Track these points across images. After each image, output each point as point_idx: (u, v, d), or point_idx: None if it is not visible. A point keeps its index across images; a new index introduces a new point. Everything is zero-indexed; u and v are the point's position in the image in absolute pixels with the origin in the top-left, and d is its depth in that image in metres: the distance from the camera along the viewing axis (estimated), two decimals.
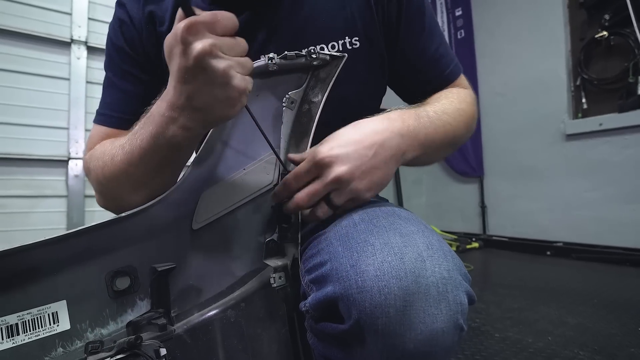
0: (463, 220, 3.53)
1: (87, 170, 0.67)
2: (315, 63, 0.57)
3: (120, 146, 0.56)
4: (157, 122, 0.48)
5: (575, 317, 1.48)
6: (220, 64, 0.42)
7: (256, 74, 0.55)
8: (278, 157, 0.58)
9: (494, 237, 3.24)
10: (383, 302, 0.41)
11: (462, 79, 0.77)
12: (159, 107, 0.48)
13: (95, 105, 2.31)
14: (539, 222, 2.94)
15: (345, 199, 0.54)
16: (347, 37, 0.67)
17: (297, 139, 0.60)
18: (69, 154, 2.12)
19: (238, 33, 0.63)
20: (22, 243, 0.44)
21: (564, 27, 2.82)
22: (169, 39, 0.44)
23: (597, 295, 1.75)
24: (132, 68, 0.70)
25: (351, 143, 0.54)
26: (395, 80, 0.77)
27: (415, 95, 0.75)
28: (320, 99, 0.59)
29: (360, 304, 0.42)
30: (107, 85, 0.73)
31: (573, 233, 2.73)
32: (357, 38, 0.67)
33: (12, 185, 1.99)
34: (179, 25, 0.42)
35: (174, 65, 0.44)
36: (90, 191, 2.16)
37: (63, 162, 2.12)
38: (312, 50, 0.55)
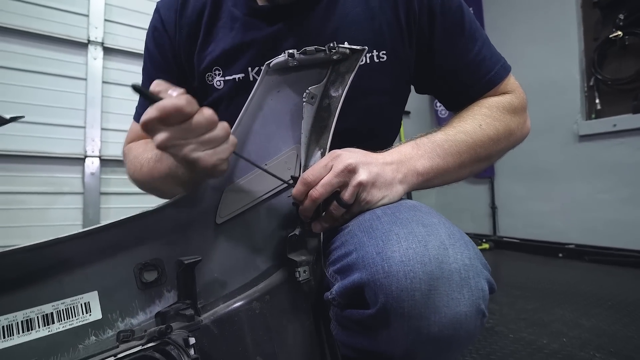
0: (473, 221, 3.51)
1: (123, 159, 0.79)
2: (335, 57, 0.57)
3: (147, 159, 0.65)
4: (169, 162, 0.56)
5: (590, 319, 1.47)
6: (179, 152, 0.45)
7: (276, 70, 0.57)
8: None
9: (505, 239, 3.22)
10: (409, 285, 0.43)
11: (509, 81, 0.74)
12: None
13: (110, 104, 2.35)
14: (550, 223, 2.91)
15: (360, 202, 0.55)
16: (374, 50, 0.68)
17: (318, 134, 0.60)
18: (86, 152, 2.16)
19: (271, 45, 0.65)
20: (50, 237, 0.46)
21: (577, 27, 2.80)
22: None
23: (612, 298, 1.73)
24: (161, 74, 0.76)
25: (371, 157, 0.57)
26: (437, 88, 0.77)
27: (457, 101, 0.74)
28: (341, 93, 0.59)
29: (387, 287, 0.44)
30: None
31: (586, 235, 2.70)
32: (384, 51, 0.68)
33: (31, 182, 2.03)
34: (142, 119, 0.44)
35: None
36: (106, 188, 2.21)
37: (80, 160, 2.16)
38: (331, 45, 0.56)
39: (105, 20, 2.23)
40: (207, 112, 0.46)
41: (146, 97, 0.45)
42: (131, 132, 0.84)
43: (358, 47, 0.56)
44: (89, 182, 2.16)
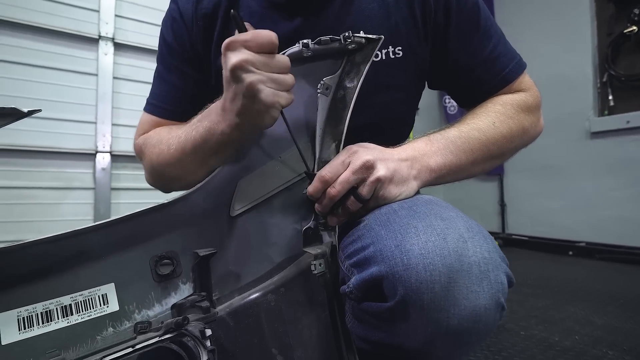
0: (482, 219, 3.48)
1: (139, 152, 0.76)
2: (350, 47, 0.56)
3: (176, 136, 0.63)
4: (212, 118, 0.55)
5: (602, 317, 1.45)
6: (248, 77, 0.48)
7: (291, 60, 0.56)
8: (305, 163, 0.59)
9: (514, 236, 3.20)
10: (429, 278, 0.43)
11: (524, 79, 0.73)
12: (216, 106, 0.55)
13: (121, 100, 2.36)
14: (560, 221, 2.88)
15: (377, 198, 0.56)
16: (390, 47, 0.68)
17: (332, 126, 0.60)
18: (97, 147, 2.18)
19: (287, 39, 0.65)
20: (60, 232, 0.46)
21: (590, 21, 2.75)
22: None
23: (624, 296, 1.71)
24: (179, 63, 0.75)
25: (387, 153, 0.57)
26: (451, 84, 0.76)
27: (471, 98, 0.74)
28: (356, 85, 0.58)
29: (406, 280, 0.44)
30: (157, 77, 0.79)
31: (597, 233, 2.67)
32: (400, 47, 0.68)
33: (42, 177, 2.05)
34: (225, 41, 0.49)
35: (223, 75, 0.52)
36: (117, 184, 2.22)
37: (91, 156, 2.17)
38: (347, 34, 0.55)
39: (116, 15, 2.24)
40: (286, 59, 0.51)
41: (239, 26, 0.50)
42: (143, 124, 0.80)
43: (374, 37, 0.56)
44: (100, 177, 2.17)
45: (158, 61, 0.79)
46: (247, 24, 0.51)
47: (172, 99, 0.76)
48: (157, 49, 0.80)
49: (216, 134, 0.54)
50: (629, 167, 2.53)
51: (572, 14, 2.84)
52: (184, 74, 0.76)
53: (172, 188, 0.74)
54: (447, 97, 3.60)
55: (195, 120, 0.60)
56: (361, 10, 0.67)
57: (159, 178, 0.72)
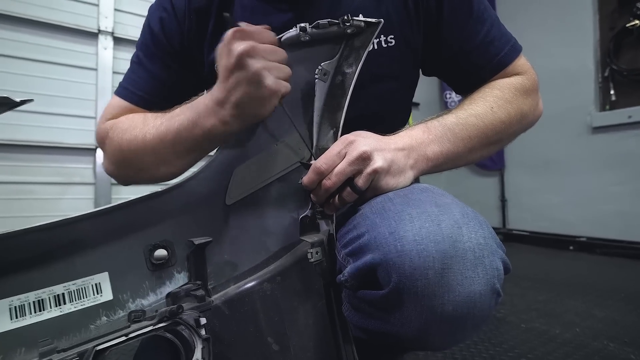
0: (482, 214, 3.35)
1: (103, 136, 0.70)
2: (349, 31, 0.55)
3: (154, 125, 0.61)
4: (200, 111, 0.54)
5: (603, 310, 1.45)
6: (256, 63, 0.49)
7: (288, 45, 0.55)
8: (310, 149, 0.59)
9: (514, 231, 3.19)
10: (422, 264, 0.42)
11: (520, 62, 0.71)
12: (205, 99, 0.54)
13: None
14: (561, 216, 2.87)
15: (374, 188, 0.55)
16: (382, 36, 0.67)
17: (331, 113, 0.59)
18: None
19: (279, 32, 0.64)
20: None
21: (592, 15, 2.73)
22: (219, 47, 0.52)
23: (624, 290, 1.71)
24: (164, 55, 0.73)
25: (384, 142, 0.56)
26: (446, 70, 0.75)
27: (467, 84, 0.72)
28: (355, 70, 0.57)
29: (399, 267, 0.43)
30: (136, 62, 0.75)
31: (597, 228, 2.66)
32: (392, 36, 0.67)
33: (42, 172, 2.05)
34: (228, 32, 0.50)
35: (221, 66, 0.52)
36: None
37: (91, 151, 2.17)
38: (345, 17, 0.54)
39: (115, 9, 2.23)
40: (283, 51, 0.53)
41: (234, 27, 0.51)
42: (113, 108, 0.74)
43: (373, 20, 0.55)
44: (101, 172, 2.16)
45: (139, 48, 0.75)
46: (241, 24, 0.52)
47: (150, 87, 0.73)
48: None
49: (204, 128, 0.54)
50: (630, 162, 2.51)
51: (575, 8, 2.81)
52: (168, 67, 0.73)
53: (135, 180, 0.71)
54: (448, 91, 3.58)
55: (177, 111, 0.59)
56: (352, 1, 0.67)
57: (125, 166, 0.68)
